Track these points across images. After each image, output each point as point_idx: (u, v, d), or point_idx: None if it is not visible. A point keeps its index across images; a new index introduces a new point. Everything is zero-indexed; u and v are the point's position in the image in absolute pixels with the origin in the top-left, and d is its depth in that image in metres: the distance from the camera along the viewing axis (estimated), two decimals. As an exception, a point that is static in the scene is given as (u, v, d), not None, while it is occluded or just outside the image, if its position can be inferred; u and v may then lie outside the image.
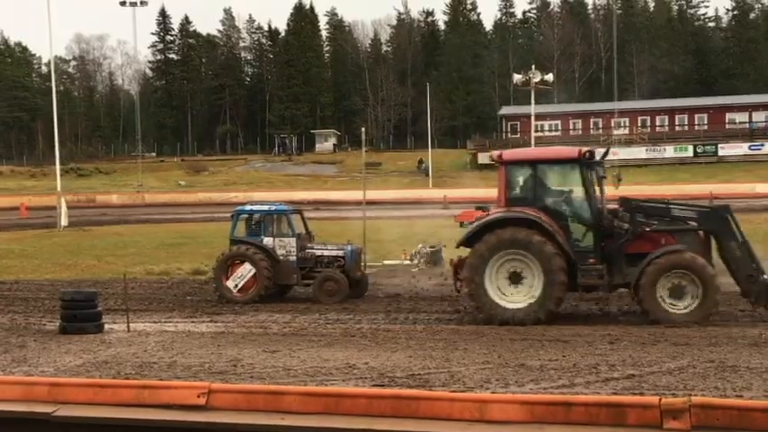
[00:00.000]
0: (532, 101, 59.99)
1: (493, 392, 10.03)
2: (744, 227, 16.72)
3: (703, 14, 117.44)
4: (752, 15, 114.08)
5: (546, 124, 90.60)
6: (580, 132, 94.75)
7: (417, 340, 14.23)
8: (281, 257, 19.83)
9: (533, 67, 61.46)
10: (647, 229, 15.81)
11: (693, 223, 16.21)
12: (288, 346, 13.74)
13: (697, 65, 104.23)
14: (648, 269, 15.08)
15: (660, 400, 4.20)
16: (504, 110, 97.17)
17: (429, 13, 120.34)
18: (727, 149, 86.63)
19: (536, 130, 69.13)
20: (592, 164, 16.28)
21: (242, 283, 19.52)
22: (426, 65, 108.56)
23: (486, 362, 12.13)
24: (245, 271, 19.50)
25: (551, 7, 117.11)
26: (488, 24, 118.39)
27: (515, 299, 15.70)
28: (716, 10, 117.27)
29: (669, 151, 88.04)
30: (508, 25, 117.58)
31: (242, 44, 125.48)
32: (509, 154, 17.78)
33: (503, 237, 15.66)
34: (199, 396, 5.26)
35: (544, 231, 15.46)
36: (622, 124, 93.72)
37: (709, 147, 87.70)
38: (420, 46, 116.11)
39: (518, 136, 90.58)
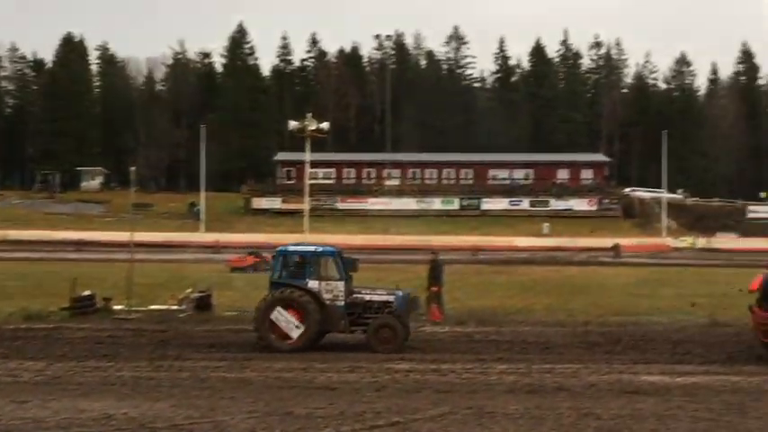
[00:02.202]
0: (308, 148, 60.66)
1: (258, 442, 9.84)
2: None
3: (470, 75, 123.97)
4: (513, 78, 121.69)
5: (320, 171, 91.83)
6: (353, 181, 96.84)
7: (182, 388, 13.78)
8: (328, 302, 18.38)
9: (310, 114, 62.19)
10: None
11: None
12: (40, 395, 12.87)
13: (464, 122, 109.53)
14: None
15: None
16: (280, 155, 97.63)
17: (206, 55, 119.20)
18: (489, 204, 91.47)
19: (311, 178, 69.83)
20: None
21: (300, 328, 17.90)
22: (202, 106, 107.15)
23: (252, 411, 11.91)
24: (287, 316, 17.93)
25: (328, 57, 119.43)
26: (266, 70, 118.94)
27: None
28: (482, 71, 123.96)
29: (437, 203, 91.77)
30: (286, 72, 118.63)
31: (2, 73, 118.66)
32: None
33: None
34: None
35: None
36: (394, 175, 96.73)
37: (473, 200, 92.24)
38: (196, 87, 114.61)
39: (293, 182, 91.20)
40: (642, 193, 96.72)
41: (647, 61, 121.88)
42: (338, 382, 14.41)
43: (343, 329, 18.60)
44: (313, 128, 60.02)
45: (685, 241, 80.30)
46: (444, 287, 24.22)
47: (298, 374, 15.22)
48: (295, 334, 17.83)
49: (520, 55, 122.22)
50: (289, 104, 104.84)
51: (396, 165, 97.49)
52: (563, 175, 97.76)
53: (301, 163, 69.29)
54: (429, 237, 71.36)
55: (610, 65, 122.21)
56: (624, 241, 69.95)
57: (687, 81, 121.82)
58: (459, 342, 19.46)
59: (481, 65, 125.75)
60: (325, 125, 62.23)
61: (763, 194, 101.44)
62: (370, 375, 15.19)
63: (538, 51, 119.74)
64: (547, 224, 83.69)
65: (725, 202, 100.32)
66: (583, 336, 20.23)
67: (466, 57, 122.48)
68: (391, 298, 18.79)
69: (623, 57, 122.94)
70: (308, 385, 14.14)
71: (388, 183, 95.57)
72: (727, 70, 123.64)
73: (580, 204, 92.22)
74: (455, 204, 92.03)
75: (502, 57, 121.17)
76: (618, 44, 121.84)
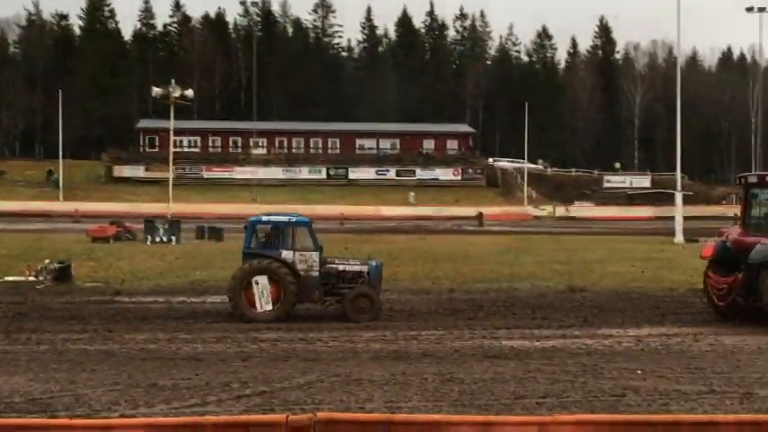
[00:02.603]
0: (171, 116, 59.23)
1: (121, 415, 9.66)
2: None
3: (337, 44, 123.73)
4: (380, 49, 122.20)
5: (185, 140, 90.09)
6: (219, 150, 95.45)
7: (40, 362, 13.33)
8: (302, 273, 17.92)
9: (173, 81, 60.77)
10: None
11: None
12: None
13: (331, 91, 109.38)
14: None
15: (287, 417, 4.24)
16: (143, 123, 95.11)
17: (63, 17, 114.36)
18: (356, 173, 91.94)
19: (175, 146, 68.37)
20: None
21: (270, 299, 17.54)
22: (59, 71, 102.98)
23: (114, 383, 11.66)
24: (263, 286, 17.50)
25: (192, 23, 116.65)
26: (127, 34, 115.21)
27: None
28: (349, 41, 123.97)
29: (304, 172, 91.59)
30: (148, 37, 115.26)
31: None
32: None
33: None
34: None
35: None
36: (261, 144, 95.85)
37: (340, 170, 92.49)
38: (52, 50, 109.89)
39: (156, 150, 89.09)
40: (505, 164, 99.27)
41: (510, 34, 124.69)
42: (204, 353, 14.26)
43: (318, 300, 18.50)
44: (177, 95, 58.60)
45: (545, 210, 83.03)
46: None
47: (162, 346, 14.98)
48: (271, 305, 17.65)
49: (387, 25, 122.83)
50: (152, 71, 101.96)
51: (262, 134, 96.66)
52: (429, 145, 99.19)
53: (165, 131, 67.70)
54: (296, 206, 71.20)
55: (474, 36, 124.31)
56: (487, 210, 71.74)
57: (548, 54, 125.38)
58: (327, 311, 19.56)
59: (348, 34, 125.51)
60: (189, 92, 60.85)
61: (617, 165, 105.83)
62: (237, 345, 15.10)
63: (404, 22, 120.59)
64: (413, 193, 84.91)
65: (583, 173, 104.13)
66: (447, 303, 20.68)
67: (333, 26, 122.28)
68: (365, 268, 18.79)
69: (487, 29, 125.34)
70: (173, 356, 13.93)
71: (254, 152, 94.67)
72: (585, 44, 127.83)
73: (445, 174, 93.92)
74: (322, 173, 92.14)
75: (369, 26, 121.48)
76: (482, 16, 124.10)
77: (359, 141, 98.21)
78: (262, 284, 17.55)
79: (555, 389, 11.19)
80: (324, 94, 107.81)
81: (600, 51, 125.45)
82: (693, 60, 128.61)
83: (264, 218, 19.15)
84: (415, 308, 19.85)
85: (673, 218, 45.38)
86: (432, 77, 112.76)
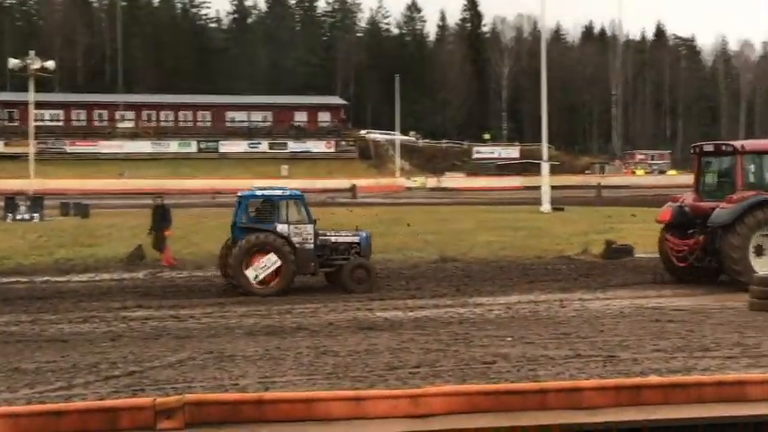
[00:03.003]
0: (31, 88, 56.76)
1: (-20, 403, 9.22)
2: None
3: (205, 15, 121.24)
4: (249, 20, 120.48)
5: (47, 113, 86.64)
6: (84, 123, 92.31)
7: None
8: (298, 245, 17.94)
9: (33, 52, 58.18)
10: None
11: None
12: None
13: (200, 63, 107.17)
14: None
15: (155, 400, 4.11)
16: (0, 95, 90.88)
17: None
18: (227, 147, 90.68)
19: (36, 119, 65.68)
20: None
21: (264, 274, 17.62)
22: None
23: (-27, 369, 11.13)
24: (269, 261, 17.59)
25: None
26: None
27: None
28: (217, 12, 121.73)
29: (174, 146, 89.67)
30: (4, 5, 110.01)
31: None
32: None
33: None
34: None
35: None
36: (127, 117, 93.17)
37: (211, 143, 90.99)
38: None
39: (16, 124, 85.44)
40: (377, 136, 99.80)
41: (380, 7, 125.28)
42: (70, 334, 13.79)
43: (313, 271, 18.68)
44: (36, 67, 56.12)
45: (416, 181, 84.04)
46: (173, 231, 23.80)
47: (25, 328, 14.40)
48: (268, 279, 17.79)
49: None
50: (9, 41, 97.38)
51: (129, 106, 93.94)
52: (301, 117, 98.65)
53: (25, 104, 64.82)
54: (166, 181, 69.71)
55: (344, 9, 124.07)
56: (360, 182, 72.05)
57: (418, 27, 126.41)
58: (198, 287, 19.25)
59: (217, 4, 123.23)
60: (50, 64, 58.33)
61: (486, 136, 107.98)
62: (105, 325, 14.66)
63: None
64: (286, 166, 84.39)
65: (453, 144, 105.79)
66: (321, 276, 20.64)
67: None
68: (356, 239, 19.09)
69: (357, 1, 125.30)
70: (36, 338, 13.41)
71: (120, 125, 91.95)
72: (454, 18, 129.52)
73: (318, 146, 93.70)
74: (192, 147, 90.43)
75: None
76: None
77: (229, 114, 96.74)
78: (265, 259, 17.71)
79: (428, 358, 11.33)
80: (192, 65, 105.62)
81: (468, 24, 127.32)
82: (558, 34, 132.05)
83: (258, 192, 19.21)
84: (288, 282, 19.72)
85: (540, 187, 46.60)
86: (303, 49, 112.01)
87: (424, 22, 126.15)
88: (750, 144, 19.94)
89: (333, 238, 19.00)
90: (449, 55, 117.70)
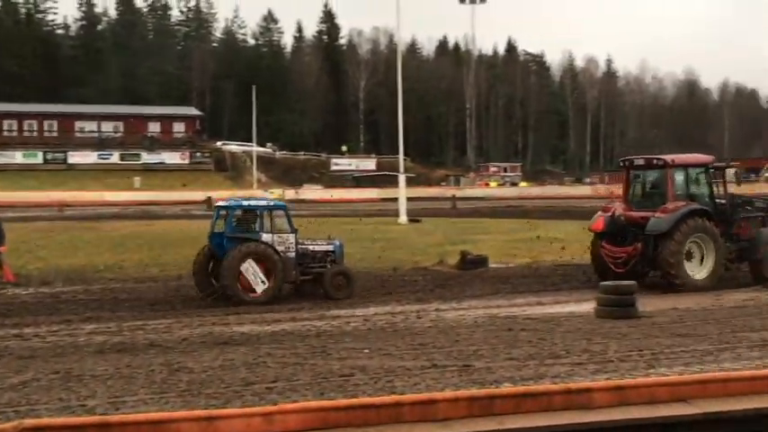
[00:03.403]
0: None
1: None
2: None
3: (52, 21, 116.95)
4: (99, 27, 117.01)
5: None
6: None
7: None
8: (281, 254, 18.43)
9: None
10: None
11: None
12: None
13: (46, 71, 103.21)
14: None
15: (-9, 428, 3.86)
16: None
17: None
18: (76, 158, 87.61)
19: None
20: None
21: (256, 282, 18.08)
22: None
23: None
24: (255, 268, 18.03)
25: None
26: None
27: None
28: (65, 18, 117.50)
29: (18, 157, 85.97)
30: None
31: None
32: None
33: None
34: None
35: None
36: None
37: (59, 154, 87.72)
38: None
39: None
40: (233, 147, 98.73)
41: (235, 17, 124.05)
42: None
43: (295, 279, 19.09)
44: None
45: (274, 193, 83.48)
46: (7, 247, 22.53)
47: None
48: (260, 287, 18.17)
49: (107, 2, 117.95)
50: None
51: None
52: (155, 128, 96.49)
53: None
54: (11, 193, 66.77)
55: (199, 18, 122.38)
56: (216, 194, 70.94)
57: (275, 38, 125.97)
58: (45, 304, 18.41)
59: (65, 10, 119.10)
60: None
61: (344, 148, 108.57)
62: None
63: (125, 1, 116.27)
64: (138, 178, 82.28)
65: (311, 156, 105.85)
66: (176, 290, 20.16)
67: (47, 1, 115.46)
68: (331, 247, 19.93)
69: (213, 11, 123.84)
70: None
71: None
72: (311, 29, 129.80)
73: (172, 158, 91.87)
74: (38, 158, 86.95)
75: (87, 3, 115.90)
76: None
77: (78, 124, 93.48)
78: (252, 268, 18.08)
79: (285, 373, 11.19)
80: (38, 73, 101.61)
81: (325, 36, 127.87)
82: (413, 48, 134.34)
83: (245, 202, 20.05)
84: (142, 297, 19.18)
85: (397, 199, 47.13)
86: (156, 59, 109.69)
87: (281, 33, 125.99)
88: (679, 158, 21.01)
89: (311, 247, 19.70)
90: (306, 66, 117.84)
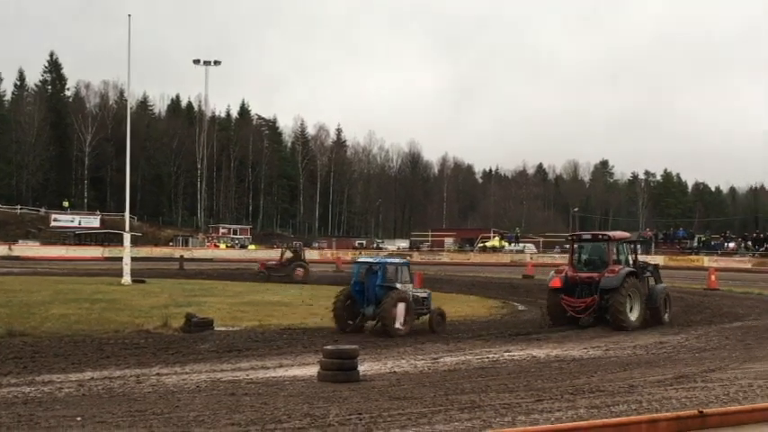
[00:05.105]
0: None
1: None
2: None
3: None
4: None
5: None
6: None
7: None
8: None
9: None
10: None
11: None
12: None
13: None
14: None
15: None
16: None
17: None
18: None
19: None
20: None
21: (402, 319, 23.42)
22: None
23: None
24: (402, 309, 23.45)
25: None
26: None
27: None
28: None
29: None
30: None
31: None
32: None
33: None
34: None
35: None
36: None
37: None
38: None
39: None
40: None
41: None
42: None
43: (417, 318, 24.56)
44: None
45: None
46: None
47: None
48: (404, 324, 23.44)
49: None
50: None
51: None
52: None
53: None
54: None
55: None
56: None
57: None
58: None
59: None
60: None
61: (66, 203, 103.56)
62: None
63: None
64: None
65: (29, 210, 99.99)
66: None
67: None
68: (426, 294, 25.58)
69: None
70: None
71: None
72: (34, 78, 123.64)
73: None
74: None
75: None
76: None
77: None
78: (401, 309, 23.50)
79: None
80: None
81: (50, 87, 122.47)
82: (144, 104, 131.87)
83: (389, 260, 25.67)
84: None
85: (121, 258, 45.42)
86: None
87: (1, 80, 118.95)
88: (616, 234, 27.52)
89: (418, 294, 25.12)
90: (27, 117, 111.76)
